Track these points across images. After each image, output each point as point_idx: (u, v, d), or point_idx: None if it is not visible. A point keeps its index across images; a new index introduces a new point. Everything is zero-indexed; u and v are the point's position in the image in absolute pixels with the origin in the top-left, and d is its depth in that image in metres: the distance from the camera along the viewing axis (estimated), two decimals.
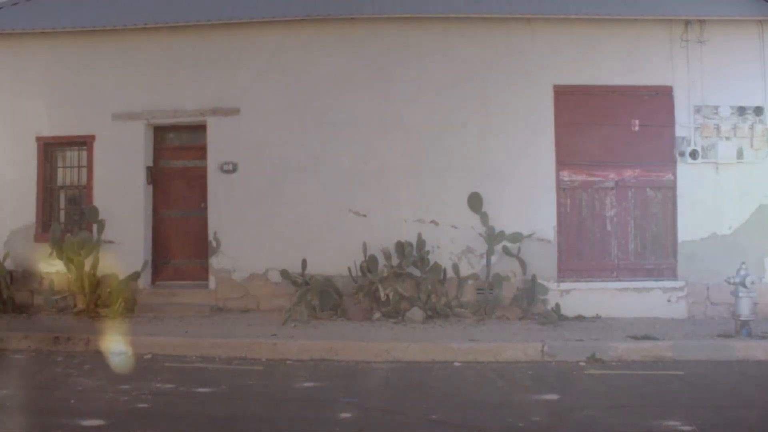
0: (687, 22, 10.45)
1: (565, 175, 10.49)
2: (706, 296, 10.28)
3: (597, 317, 9.99)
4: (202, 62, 10.82)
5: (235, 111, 10.73)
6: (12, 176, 11.03)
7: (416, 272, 10.09)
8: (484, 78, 10.50)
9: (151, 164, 11.08)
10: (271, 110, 10.69)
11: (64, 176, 11.37)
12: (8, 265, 10.72)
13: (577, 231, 10.49)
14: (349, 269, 10.16)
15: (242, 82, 10.75)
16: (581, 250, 10.49)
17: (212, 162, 10.77)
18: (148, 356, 8.18)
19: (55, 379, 7.24)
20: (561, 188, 10.49)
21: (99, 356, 8.15)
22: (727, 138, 10.37)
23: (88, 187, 11.06)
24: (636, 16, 10.39)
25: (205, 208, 10.83)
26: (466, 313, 9.96)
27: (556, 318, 9.61)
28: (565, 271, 10.40)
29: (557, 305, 9.88)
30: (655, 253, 10.47)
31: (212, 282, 10.70)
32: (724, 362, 7.85)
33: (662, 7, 10.54)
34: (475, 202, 10.30)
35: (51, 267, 10.67)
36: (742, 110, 10.36)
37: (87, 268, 10.30)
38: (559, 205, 10.46)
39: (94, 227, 10.63)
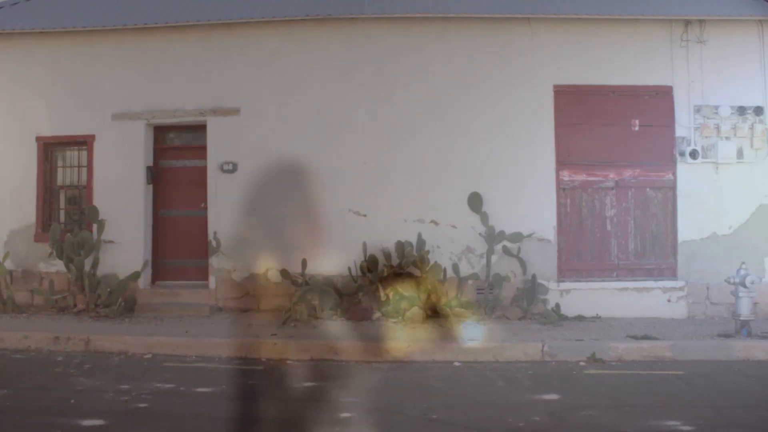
0: (687, 22, 10.46)
1: (565, 175, 10.49)
2: (706, 296, 10.28)
3: (597, 317, 9.99)
4: (202, 62, 10.82)
5: (235, 111, 10.73)
6: (12, 176, 11.02)
7: (416, 272, 10.07)
8: (484, 78, 10.50)
9: (151, 164, 11.07)
10: (271, 110, 10.69)
11: (64, 176, 11.36)
12: (8, 265, 10.74)
13: (577, 231, 10.49)
14: (349, 269, 10.16)
15: (242, 82, 10.75)
16: (581, 250, 10.49)
17: (212, 162, 10.77)
18: (148, 356, 8.18)
19: (55, 379, 7.22)
20: (561, 188, 10.49)
21: (99, 356, 8.15)
22: (727, 138, 10.38)
23: (88, 187, 11.06)
24: (636, 16, 10.39)
25: (205, 208, 10.82)
26: (466, 313, 9.95)
27: (556, 318, 9.61)
28: (565, 271, 10.41)
29: (557, 305, 9.89)
30: (655, 253, 10.47)
31: (212, 282, 10.70)
32: (724, 362, 7.85)
33: (662, 7, 10.57)
34: (475, 202, 10.31)
35: (51, 267, 10.72)
36: (742, 110, 10.35)
37: (87, 268, 10.32)
38: (559, 205, 10.46)
39: (94, 227, 10.63)
